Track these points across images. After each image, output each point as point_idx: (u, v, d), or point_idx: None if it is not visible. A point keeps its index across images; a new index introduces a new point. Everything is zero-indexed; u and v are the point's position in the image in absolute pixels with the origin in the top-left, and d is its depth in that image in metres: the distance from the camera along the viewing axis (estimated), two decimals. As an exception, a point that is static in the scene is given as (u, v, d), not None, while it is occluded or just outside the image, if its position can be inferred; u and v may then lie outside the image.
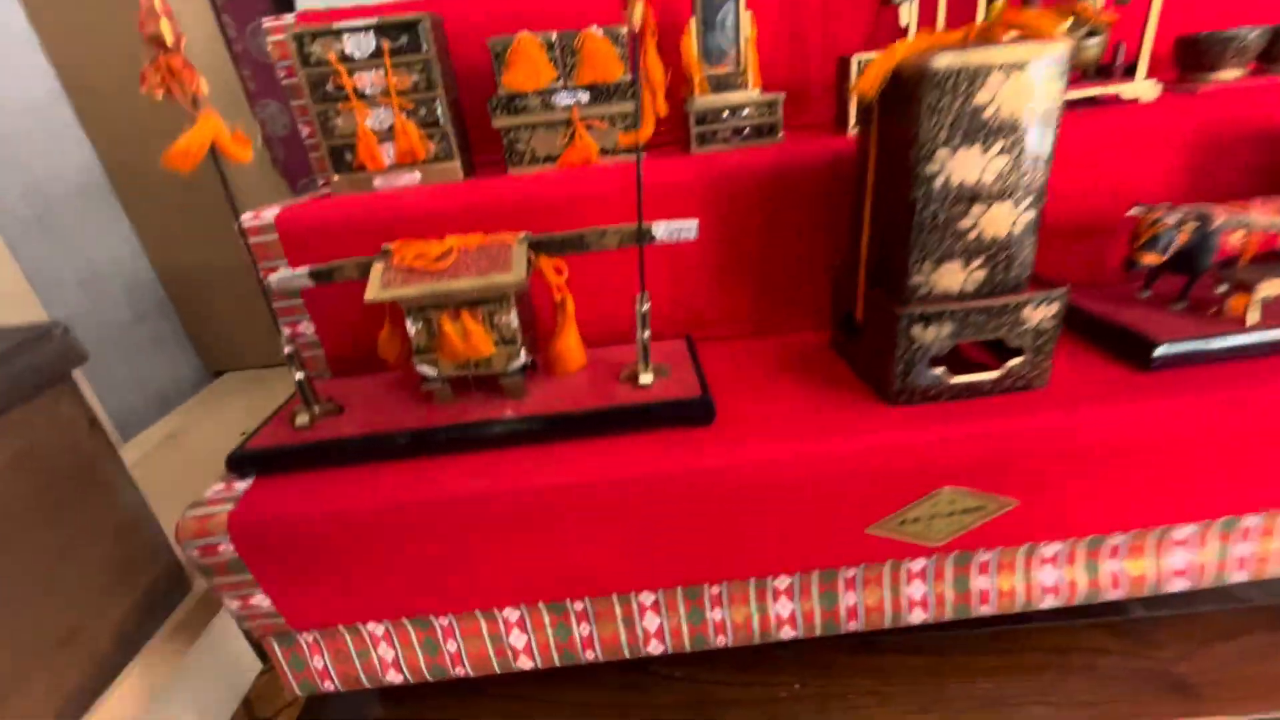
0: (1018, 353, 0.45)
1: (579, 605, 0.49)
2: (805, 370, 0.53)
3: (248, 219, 0.53)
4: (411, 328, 0.46)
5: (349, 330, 0.58)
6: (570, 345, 0.49)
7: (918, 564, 0.49)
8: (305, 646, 0.50)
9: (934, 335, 0.44)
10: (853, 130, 0.58)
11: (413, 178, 0.57)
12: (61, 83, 0.81)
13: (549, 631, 0.50)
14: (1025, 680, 0.51)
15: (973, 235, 0.42)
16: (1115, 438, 0.43)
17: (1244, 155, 0.56)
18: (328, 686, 0.51)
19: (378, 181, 0.57)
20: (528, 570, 0.46)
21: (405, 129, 0.55)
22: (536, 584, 0.47)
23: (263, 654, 0.80)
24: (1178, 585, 0.51)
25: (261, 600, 0.46)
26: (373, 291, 0.44)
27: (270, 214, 0.54)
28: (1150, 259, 0.48)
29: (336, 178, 0.57)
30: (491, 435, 0.46)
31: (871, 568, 0.49)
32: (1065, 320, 0.45)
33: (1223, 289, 0.50)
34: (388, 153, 0.56)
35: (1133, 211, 0.49)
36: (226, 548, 0.43)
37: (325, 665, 0.51)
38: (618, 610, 0.50)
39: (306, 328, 0.58)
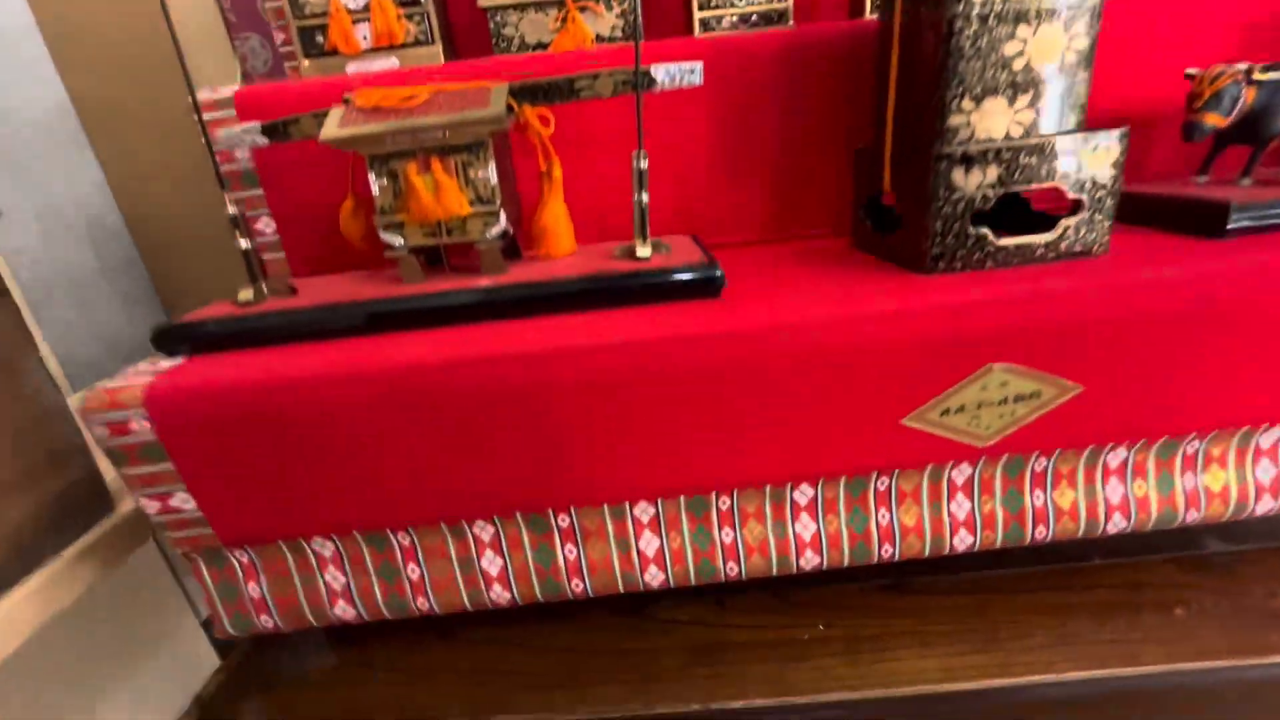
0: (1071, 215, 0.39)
1: (563, 520, 0.42)
2: (825, 262, 0.47)
3: (204, 94, 0.48)
4: (375, 185, 0.40)
5: (313, 228, 0.52)
6: (557, 219, 0.43)
7: (962, 472, 0.42)
8: (239, 568, 0.42)
9: (977, 182, 0.38)
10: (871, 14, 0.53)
11: (389, 63, 0.52)
12: (34, 15, 0.78)
13: (528, 554, 0.42)
14: (1093, 619, 0.43)
15: (1019, 64, 0.37)
16: (1192, 301, 0.36)
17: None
18: (265, 623, 0.43)
19: (351, 67, 0.52)
20: (502, 470, 0.39)
21: (382, 6, 0.50)
22: (512, 488, 0.40)
23: (223, 649, 0.71)
24: (1267, 505, 0.44)
25: (184, 500, 0.39)
26: (329, 131, 0.38)
27: (229, 90, 0.49)
28: (1213, 119, 0.42)
29: (306, 62, 0.52)
30: (462, 308, 0.39)
31: (908, 476, 0.42)
32: (1119, 209, 0.39)
33: (1293, 167, 0.45)
34: (363, 35, 0.51)
35: (1190, 71, 0.44)
36: (141, 425, 0.36)
37: (262, 593, 0.43)
38: (609, 527, 0.42)
39: (266, 224, 0.52)
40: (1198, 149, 0.49)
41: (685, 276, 0.39)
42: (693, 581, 0.44)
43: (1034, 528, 0.43)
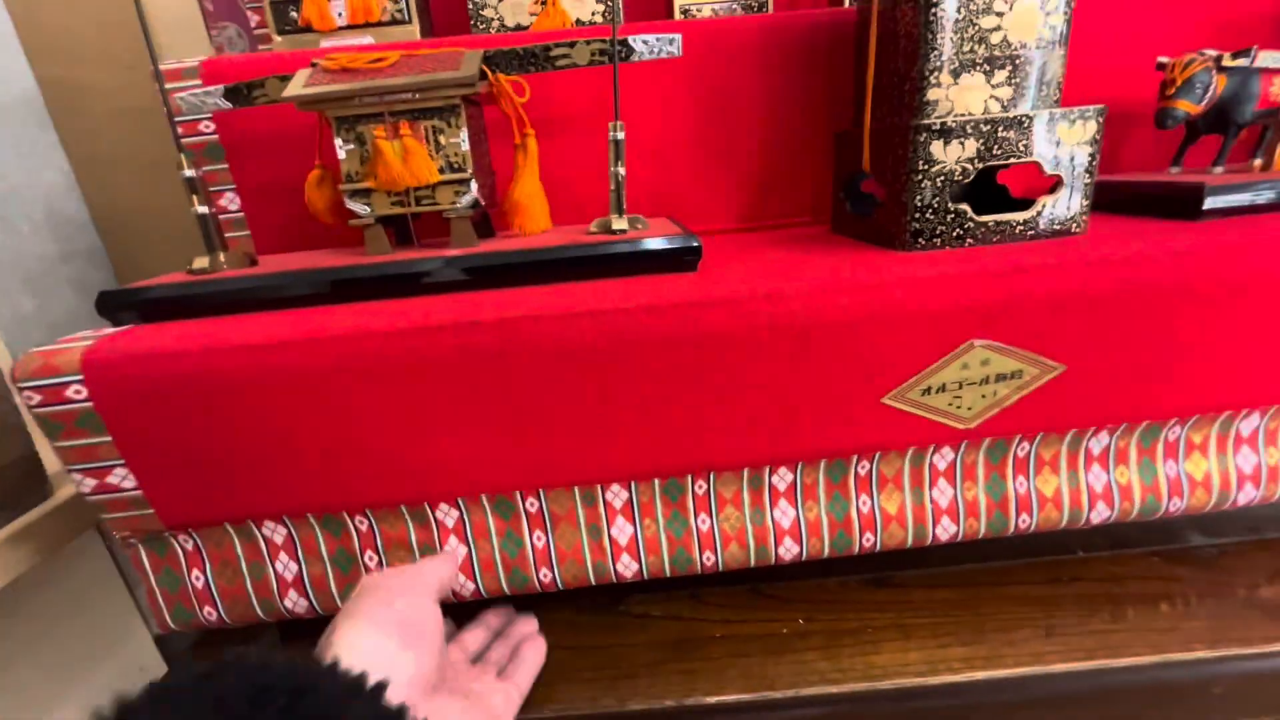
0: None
1: (532, 503, 0.40)
2: (804, 245, 0.46)
3: (170, 63, 0.47)
4: (341, 150, 0.38)
5: (278, 205, 0.50)
6: (531, 195, 0.42)
7: (944, 457, 0.41)
8: (181, 554, 0.40)
9: (956, 156, 0.37)
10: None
11: (364, 42, 0.51)
12: None
13: (494, 541, 0.40)
14: (1080, 610, 0.41)
15: (996, 38, 0.37)
16: (1170, 277, 0.36)
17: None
18: (209, 616, 0.40)
19: (325, 44, 0.51)
20: (467, 446, 0.37)
21: (359, -18, 0.49)
22: (478, 468, 0.38)
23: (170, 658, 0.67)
24: (1249, 495, 0.43)
25: (123, 477, 0.36)
26: (294, 89, 0.37)
27: (196, 60, 0.47)
28: (1186, 106, 0.42)
29: (279, 39, 0.51)
30: (428, 278, 0.38)
31: (889, 460, 0.41)
32: (1094, 199, 0.39)
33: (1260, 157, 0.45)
34: (338, 11, 0.50)
35: (1162, 60, 0.44)
36: (77, 392, 0.33)
37: (206, 582, 0.40)
38: (580, 512, 0.40)
39: (231, 200, 0.50)
40: (1169, 144, 0.50)
41: (662, 246, 0.38)
42: (667, 573, 0.42)
43: (1017, 516, 0.41)
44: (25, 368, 0.33)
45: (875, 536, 0.42)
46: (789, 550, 0.41)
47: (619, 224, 0.40)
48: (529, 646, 0.40)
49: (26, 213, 0.79)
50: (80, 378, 0.33)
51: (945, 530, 0.41)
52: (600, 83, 0.48)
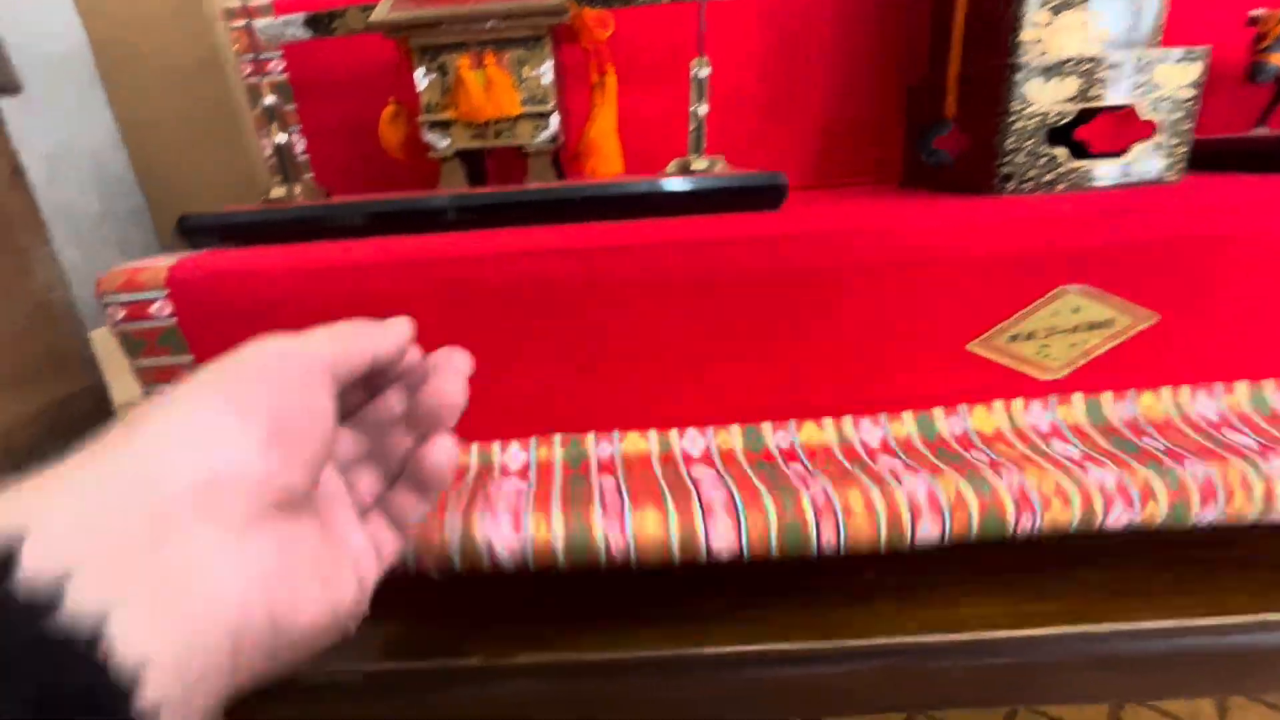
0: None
1: (604, 448, 0.39)
2: (881, 195, 0.45)
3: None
4: (423, 80, 0.38)
5: (346, 148, 0.50)
6: (606, 135, 0.42)
7: (1033, 413, 0.40)
8: (250, 485, 0.39)
9: (1054, 96, 0.36)
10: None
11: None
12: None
13: (556, 482, 0.39)
14: (1170, 571, 0.40)
15: (1099, -25, 0.36)
16: (1273, 225, 0.35)
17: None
18: None
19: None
20: (541, 382, 0.36)
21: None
22: (551, 405, 0.37)
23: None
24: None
25: (200, 401, 0.36)
26: (380, 14, 0.36)
27: (267, -4, 0.47)
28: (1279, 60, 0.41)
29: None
30: (510, 209, 0.37)
31: (978, 417, 0.40)
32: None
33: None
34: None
35: (1256, 13, 0.43)
36: (162, 308, 0.33)
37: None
38: (655, 460, 0.39)
39: (296, 143, 0.50)
40: (1253, 106, 0.48)
41: (747, 183, 0.37)
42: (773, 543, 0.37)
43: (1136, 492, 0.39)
44: (111, 283, 0.33)
45: (1035, 516, 0.35)
46: (928, 530, 0.34)
47: (699, 164, 0.39)
48: (433, 450, 0.25)
49: (74, 168, 0.79)
50: (165, 293, 0.33)
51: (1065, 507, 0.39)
52: (666, 29, 0.47)
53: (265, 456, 0.19)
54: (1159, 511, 0.35)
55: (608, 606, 0.40)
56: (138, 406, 0.19)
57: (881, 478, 0.35)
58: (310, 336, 0.23)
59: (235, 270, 0.33)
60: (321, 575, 0.20)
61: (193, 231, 0.37)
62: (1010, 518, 0.34)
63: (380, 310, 0.34)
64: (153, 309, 0.33)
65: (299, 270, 0.33)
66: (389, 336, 0.25)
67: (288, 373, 0.21)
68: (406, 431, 0.26)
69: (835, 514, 0.34)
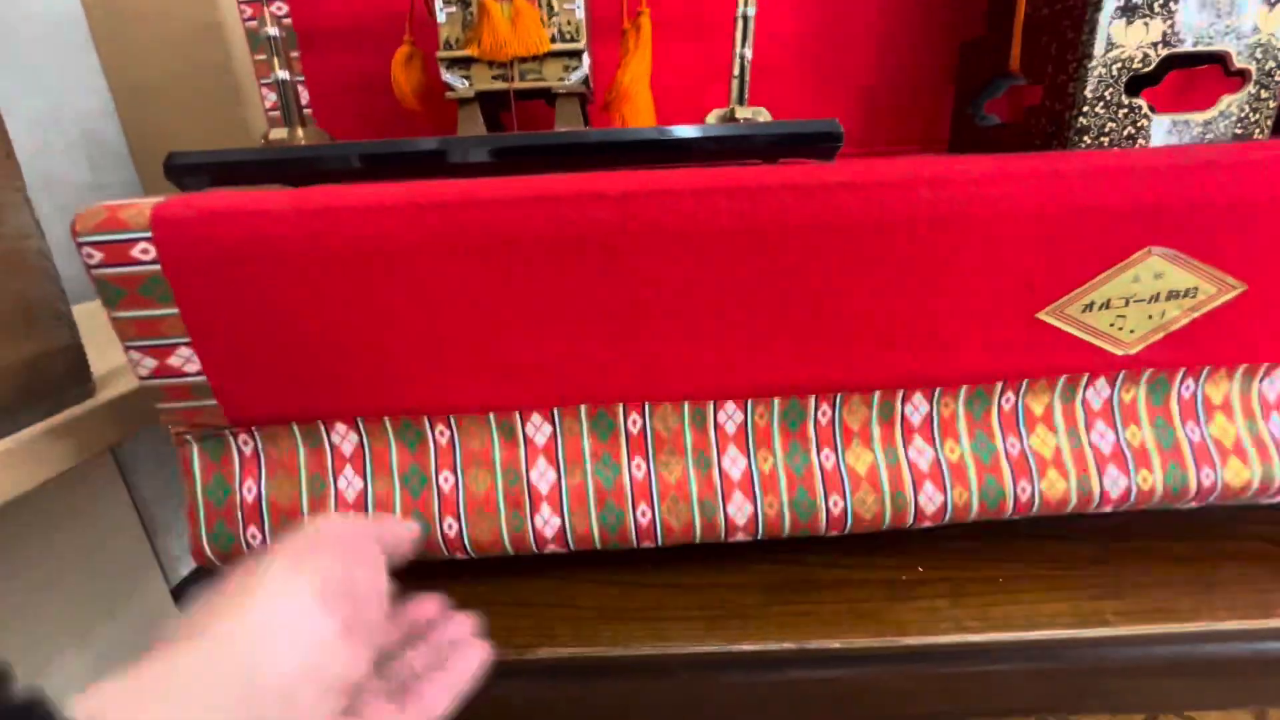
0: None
1: (633, 421, 0.36)
2: (938, 155, 0.42)
3: (242, -64, 0.43)
4: (442, 13, 0.35)
5: (351, 99, 0.46)
6: (639, 79, 0.38)
7: (1099, 391, 0.36)
8: (237, 458, 0.35)
9: (1138, 39, 0.33)
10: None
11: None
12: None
13: (587, 466, 0.36)
14: (1237, 568, 0.37)
15: (1190, -92, 0.33)
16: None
17: None
18: (253, 538, 0.36)
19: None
20: (568, 343, 0.33)
21: None
22: (577, 370, 0.34)
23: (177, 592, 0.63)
24: None
25: (186, 359, 0.32)
26: (398, -67, 0.33)
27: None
28: (1374, 15, 0.38)
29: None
30: (536, 153, 0.34)
31: (1038, 393, 0.36)
32: None
33: None
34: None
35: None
36: (144, 251, 0.30)
37: (258, 495, 0.35)
38: (688, 436, 0.36)
39: (300, 94, 0.46)
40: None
41: (801, 131, 0.34)
42: (786, 523, 0.36)
43: (1199, 470, 0.36)
44: (88, 221, 0.29)
45: (1032, 488, 0.36)
46: (930, 500, 0.36)
47: (743, 113, 0.36)
48: (459, 656, 0.26)
49: (63, 136, 0.76)
50: (149, 235, 0.29)
51: (1115, 484, 0.36)
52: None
53: (341, 652, 0.20)
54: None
55: (630, 599, 0.36)
56: (231, 581, 0.21)
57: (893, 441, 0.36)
58: (359, 517, 0.28)
59: (229, 210, 0.30)
60: None
61: (182, 172, 0.33)
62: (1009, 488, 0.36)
63: (392, 261, 0.31)
64: (134, 251, 0.29)
65: (303, 210, 0.30)
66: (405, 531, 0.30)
67: (355, 550, 0.24)
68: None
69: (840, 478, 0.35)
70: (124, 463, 0.67)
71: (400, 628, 0.27)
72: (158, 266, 0.30)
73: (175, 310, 0.31)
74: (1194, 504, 0.38)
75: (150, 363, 0.32)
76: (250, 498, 0.36)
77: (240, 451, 0.35)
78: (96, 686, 0.16)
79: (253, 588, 0.20)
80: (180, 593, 0.71)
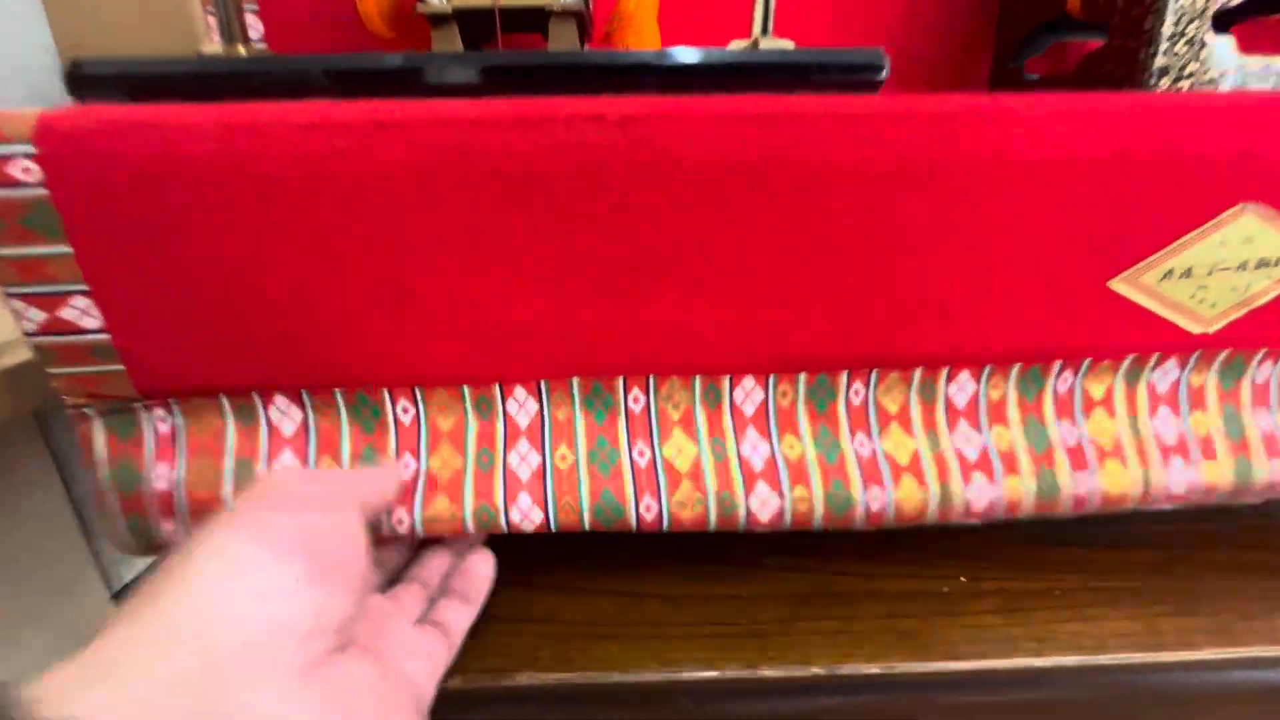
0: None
1: (635, 398, 0.30)
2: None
3: None
4: (415, -87, 0.29)
5: (309, 42, 0.40)
6: (643, 2, 0.33)
7: (1166, 373, 0.32)
8: (151, 439, 0.29)
9: (1230, -36, 0.28)
10: None
11: None
12: None
13: (580, 442, 0.30)
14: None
15: None
16: None
17: None
18: (169, 531, 0.29)
19: None
20: (559, 300, 0.27)
21: None
22: (567, 336, 0.28)
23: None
24: None
25: (84, 311, 0.26)
26: None
27: None
28: None
29: None
30: (523, 74, 0.28)
31: (1099, 374, 0.31)
32: None
33: None
34: None
35: None
36: (27, 171, 0.23)
37: (174, 483, 0.29)
38: (700, 418, 0.30)
39: (253, 25, 0.40)
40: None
41: (839, 59, 0.28)
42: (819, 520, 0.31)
43: (1269, 464, 0.32)
44: (-47, 130, 0.23)
45: (1091, 481, 0.31)
46: (980, 493, 0.31)
47: (767, 44, 0.31)
48: (473, 563, 0.30)
49: (3, 90, 0.69)
50: (32, 150, 0.23)
51: (1179, 479, 0.31)
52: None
53: (309, 598, 0.20)
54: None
55: (627, 613, 0.31)
56: (170, 556, 0.20)
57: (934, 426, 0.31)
58: (340, 471, 0.28)
59: (137, 121, 0.24)
60: (381, 712, 0.20)
61: (89, 85, 0.27)
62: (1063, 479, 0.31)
63: (343, 193, 0.25)
64: (13, 169, 0.23)
65: (232, 125, 0.24)
66: (390, 476, 0.28)
67: (311, 499, 0.23)
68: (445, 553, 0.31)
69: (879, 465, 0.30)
70: (59, 454, 0.60)
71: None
72: (44, 191, 0.24)
73: (68, 249, 0.25)
74: (1254, 500, 0.33)
75: (37, 315, 0.26)
76: (164, 485, 0.29)
77: (155, 430, 0.29)
78: (42, 675, 0.15)
79: (194, 553, 0.19)
80: (122, 596, 0.64)
